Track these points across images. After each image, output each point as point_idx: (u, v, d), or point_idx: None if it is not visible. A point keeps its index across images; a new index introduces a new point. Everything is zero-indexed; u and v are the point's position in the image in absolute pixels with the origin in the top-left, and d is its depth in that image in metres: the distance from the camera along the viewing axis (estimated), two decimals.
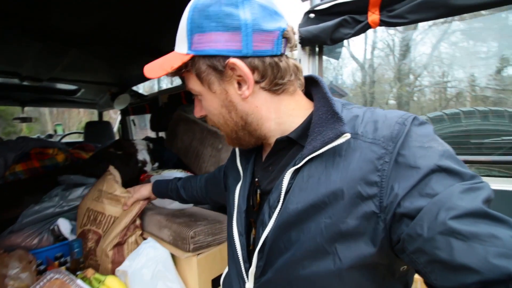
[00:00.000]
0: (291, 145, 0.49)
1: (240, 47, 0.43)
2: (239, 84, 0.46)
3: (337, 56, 1.21)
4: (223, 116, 0.50)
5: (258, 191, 0.53)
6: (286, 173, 0.45)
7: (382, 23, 0.80)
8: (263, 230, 0.46)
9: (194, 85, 0.49)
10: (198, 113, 0.55)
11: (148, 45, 1.58)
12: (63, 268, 1.01)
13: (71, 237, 1.13)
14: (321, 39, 0.84)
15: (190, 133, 1.59)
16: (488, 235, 0.30)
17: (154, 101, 2.31)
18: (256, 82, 0.46)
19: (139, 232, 1.08)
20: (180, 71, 0.48)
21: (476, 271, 0.29)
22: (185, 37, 0.45)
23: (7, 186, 1.22)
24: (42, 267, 0.95)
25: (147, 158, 1.59)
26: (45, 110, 10.65)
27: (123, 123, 2.93)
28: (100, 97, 2.74)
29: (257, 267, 0.48)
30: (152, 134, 2.43)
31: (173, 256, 0.95)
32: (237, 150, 0.63)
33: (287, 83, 0.47)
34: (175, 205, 1.18)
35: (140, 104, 2.48)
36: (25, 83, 2.02)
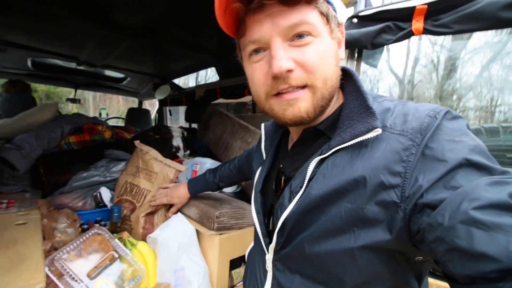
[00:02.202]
0: (318, 135, 0.50)
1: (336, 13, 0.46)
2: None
3: (375, 64, 1.22)
4: (334, 67, 0.44)
5: (283, 177, 0.55)
6: (312, 162, 0.46)
7: (426, 31, 0.81)
8: (281, 213, 0.48)
9: (316, 20, 0.42)
10: (286, 63, 0.41)
11: (190, 41, 1.70)
12: None
13: (109, 205, 1.25)
14: (362, 43, 0.87)
15: (222, 126, 1.68)
16: None
17: (191, 94, 2.45)
18: None
19: (168, 205, 1.18)
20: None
21: (496, 260, 0.29)
22: None
23: (62, 153, 1.38)
24: (85, 226, 1.07)
25: (181, 144, 1.71)
26: (89, 96, 11.57)
27: (160, 112, 3.13)
28: (142, 86, 2.95)
29: (276, 243, 0.51)
30: (185, 125, 2.57)
31: (197, 233, 1.02)
32: (262, 135, 0.66)
33: None
34: None
35: (177, 96, 2.64)
36: (81, 67, 2.26)
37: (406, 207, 0.36)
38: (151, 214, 1.14)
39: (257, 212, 0.56)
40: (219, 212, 0.98)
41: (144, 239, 1.08)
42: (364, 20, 0.91)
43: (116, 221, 1.03)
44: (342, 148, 0.43)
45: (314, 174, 0.45)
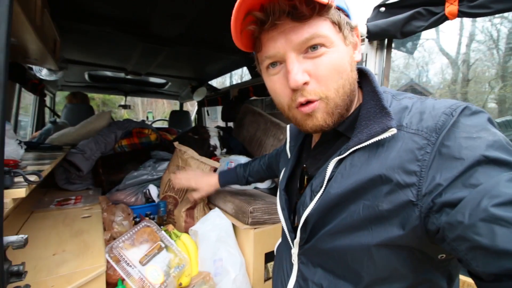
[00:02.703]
0: (338, 136, 0.51)
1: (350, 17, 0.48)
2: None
3: (412, 51, 1.16)
4: (347, 75, 0.45)
5: (306, 177, 0.57)
6: (331, 162, 0.47)
7: (461, 14, 0.75)
8: (303, 210, 0.49)
9: (329, 31, 0.43)
10: (301, 78, 0.43)
11: (221, 44, 1.78)
12: None
13: (157, 200, 1.39)
14: (390, 32, 0.84)
15: (255, 124, 1.73)
16: None
17: (225, 95, 2.55)
18: None
19: (206, 200, 1.28)
20: (313, 10, 0.41)
21: None
22: None
23: (116, 155, 1.57)
24: (137, 219, 1.22)
25: (218, 143, 1.80)
26: (138, 101, 12.62)
27: (199, 113, 3.31)
28: (182, 90, 3.15)
29: (300, 238, 0.53)
30: (222, 124, 2.69)
31: (234, 227, 1.10)
32: (288, 136, 0.68)
33: None
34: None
35: (214, 97, 2.77)
36: (128, 76, 2.50)
37: (422, 205, 0.36)
38: (191, 209, 1.24)
39: (282, 209, 0.59)
40: (253, 208, 1.03)
41: (186, 231, 1.19)
42: (392, 8, 0.87)
43: (162, 215, 1.15)
44: (359, 148, 0.44)
45: (333, 174, 0.46)
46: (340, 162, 0.46)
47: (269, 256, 1.10)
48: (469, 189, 0.33)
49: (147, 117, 3.86)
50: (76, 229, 0.95)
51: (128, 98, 3.45)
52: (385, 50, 0.93)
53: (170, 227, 1.08)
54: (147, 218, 1.26)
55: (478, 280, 0.34)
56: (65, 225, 0.99)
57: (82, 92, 2.56)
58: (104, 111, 1.74)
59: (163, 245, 0.96)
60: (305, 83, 0.43)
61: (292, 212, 0.59)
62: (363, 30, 1.01)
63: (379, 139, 0.41)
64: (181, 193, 1.32)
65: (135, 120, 1.87)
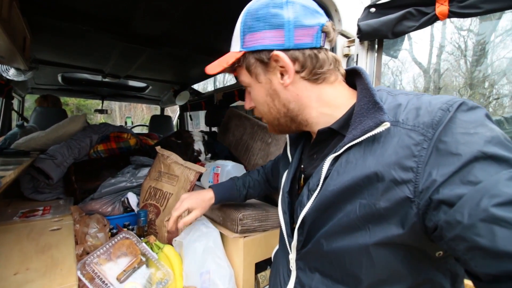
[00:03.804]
0: (334, 135, 0.52)
1: (283, 41, 0.49)
2: (282, 74, 0.52)
3: (395, 55, 1.17)
4: (267, 104, 0.56)
5: (303, 176, 0.58)
6: (327, 160, 0.47)
7: (452, 14, 0.76)
8: (301, 210, 0.50)
9: (245, 77, 0.56)
10: (247, 105, 0.61)
11: (206, 45, 1.73)
12: None
13: (136, 209, 1.29)
14: (382, 32, 0.83)
15: (242, 128, 1.68)
16: None
17: (209, 99, 2.48)
18: (297, 72, 0.51)
19: None
20: (233, 66, 0.56)
21: None
22: (238, 38, 0.53)
23: (91, 162, 1.45)
24: (114, 231, 1.11)
25: (202, 148, 1.73)
26: (115, 107, 12.17)
27: (181, 117, 3.21)
28: (164, 94, 3.05)
29: (298, 241, 0.53)
30: (206, 129, 2.62)
31: (221, 236, 1.02)
32: (288, 140, 0.69)
33: (326, 72, 0.51)
34: None
35: (197, 101, 2.70)
36: (106, 79, 2.37)
37: (419, 202, 0.36)
38: None
39: (284, 212, 0.59)
40: (242, 215, 0.97)
41: (169, 242, 1.10)
42: (383, 9, 0.87)
43: (143, 225, 1.06)
44: (355, 145, 0.44)
45: (330, 172, 0.47)
46: (336, 160, 0.47)
47: (259, 266, 1.04)
48: (467, 186, 0.32)
49: (126, 123, 3.70)
50: (43, 243, 0.84)
51: (105, 103, 3.28)
52: (375, 51, 0.93)
53: (152, 238, 0.99)
54: (126, 229, 1.15)
55: (475, 280, 0.34)
56: (30, 239, 0.87)
57: (54, 95, 2.38)
58: (77, 115, 1.62)
59: (143, 259, 0.87)
60: (251, 107, 0.61)
61: (291, 216, 0.59)
62: (351, 31, 1.00)
63: (373, 133, 0.42)
64: (163, 200, 1.23)
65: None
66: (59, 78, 2.36)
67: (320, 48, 0.51)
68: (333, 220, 0.45)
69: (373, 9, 0.88)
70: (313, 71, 0.51)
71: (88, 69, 2.16)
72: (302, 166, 0.60)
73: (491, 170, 0.32)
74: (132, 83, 2.73)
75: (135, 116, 12.48)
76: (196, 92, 2.63)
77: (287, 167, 0.65)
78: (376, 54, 0.92)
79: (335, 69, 0.53)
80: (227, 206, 1.05)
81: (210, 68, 0.57)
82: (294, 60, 0.50)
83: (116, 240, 0.89)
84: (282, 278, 0.59)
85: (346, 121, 0.49)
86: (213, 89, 2.56)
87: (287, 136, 0.71)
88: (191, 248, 0.95)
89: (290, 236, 0.56)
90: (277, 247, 0.70)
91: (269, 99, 0.55)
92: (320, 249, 0.47)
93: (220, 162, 1.34)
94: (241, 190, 0.95)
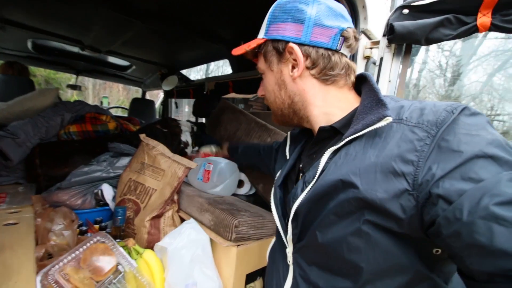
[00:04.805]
0: (334, 134, 0.53)
1: (300, 35, 0.51)
2: (293, 67, 0.54)
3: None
4: (274, 93, 0.59)
5: (301, 175, 0.59)
6: (326, 153, 0.49)
7: (494, 27, 0.70)
8: (293, 202, 0.51)
9: (261, 64, 0.60)
10: (260, 92, 0.65)
11: (204, 29, 1.58)
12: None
13: (111, 204, 1.13)
14: (416, 36, 0.76)
15: (236, 123, 1.56)
16: None
17: (200, 87, 2.32)
18: (307, 68, 0.53)
19: (175, 207, 1.07)
20: (255, 51, 0.60)
21: None
22: (264, 26, 0.57)
23: (61, 144, 1.25)
24: (83, 228, 0.96)
25: (189, 140, 1.59)
26: (89, 84, 11.35)
27: (165, 104, 3.00)
28: (148, 76, 2.82)
29: (293, 234, 0.53)
30: (191, 119, 2.45)
31: (211, 243, 0.91)
32: (288, 139, 0.72)
33: (337, 76, 0.53)
34: (216, 190, 1.15)
35: (185, 88, 2.51)
36: (84, 52, 2.12)
37: (418, 194, 0.36)
38: (157, 217, 1.02)
39: (276, 207, 0.61)
40: (238, 221, 0.86)
41: (149, 246, 0.97)
42: (417, 11, 0.79)
43: (120, 225, 0.91)
44: (355, 140, 0.45)
45: (327, 165, 0.48)
46: (335, 154, 0.48)
47: (249, 277, 0.94)
48: (468, 183, 0.33)
49: (102, 103, 3.39)
50: None
51: (79, 78, 2.98)
52: (401, 56, 0.85)
53: (130, 242, 0.85)
54: (97, 226, 1.00)
55: (469, 280, 0.35)
56: None
57: (21, 63, 2.08)
58: (49, 88, 1.40)
59: (120, 268, 0.74)
60: (263, 96, 0.64)
61: (285, 210, 0.60)
62: (374, 32, 0.92)
63: (375, 127, 0.42)
64: (145, 197, 1.08)
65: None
66: (29, 44, 2.07)
67: (336, 51, 0.52)
68: (326, 209, 0.46)
69: (406, 10, 0.81)
70: (323, 71, 0.52)
71: (65, 38, 1.90)
72: (300, 166, 0.61)
73: (492, 170, 0.33)
74: (113, 60, 2.47)
75: (110, 96, 11.74)
76: (185, 78, 2.45)
77: (282, 164, 0.68)
78: (402, 59, 0.85)
79: (346, 75, 0.54)
80: (220, 210, 0.94)
81: (235, 50, 0.61)
82: (307, 55, 0.52)
83: (88, 244, 0.74)
84: (281, 273, 0.59)
85: (349, 120, 0.50)
86: (204, 77, 2.40)
87: (288, 136, 0.73)
88: (177, 255, 0.83)
89: (285, 230, 0.56)
90: (273, 241, 0.71)
91: (277, 88, 0.58)
92: (316, 241, 0.47)
93: (212, 158, 1.22)
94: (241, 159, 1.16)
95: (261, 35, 0.58)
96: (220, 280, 0.85)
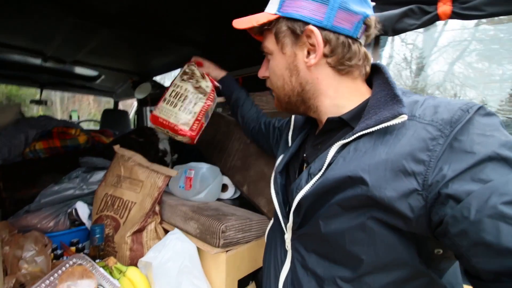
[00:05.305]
0: (342, 126, 0.51)
1: (322, 18, 0.47)
2: (308, 52, 0.50)
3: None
4: (284, 79, 0.54)
5: (305, 165, 0.57)
6: (333, 146, 0.47)
7: (454, 15, 0.73)
8: (297, 192, 0.49)
9: (270, 43, 0.54)
10: (262, 73, 0.60)
11: (176, 33, 1.54)
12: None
13: (88, 223, 1.06)
14: (384, 28, 0.78)
15: (214, 126, 1.52)
16: None
17: None
18: (325, 56, 0.49)
19: (158, 219, 1.03)
20: (261, 28, 0.54)
21: None
22: None
23: (26, 163, 1.16)
24: (58, 252, 0.89)
25: (168, 148, 1.54)
26: (56, 99, 10.75)
27: (139, 113, 2.89)
28: (119, 85, 2.71)
29: (293, 223, 0.52)
30: None
31: (199, 252, 0.88)
32: (292, 124, 0.69)
33: (353, 66, 0.50)
34: (199, 197, 1.12)
35: (159, 95, 2.44)
36: (47, 64, 1.99)
37: (427, 195, 0.36)
38: (138, 232, 0.97)
39: (276, 193, 0.59)
40: (225, 226, 0.84)
41: (132, 263, 0.92)
42: (384, 4, 0.82)
43: (98, 244, 0.85)
44: (365, 135, 0.44)
45: (335, 158, 0.46)
46: (343, 147, 0.46)
47: (242, 283, 0.92)
48: (477, 184, 0.33)
49: (71, 117, 3.20)
50: None
51: (45, 92, 2.79)
52: (371, 48, 0.87)
53: (111, 260, 0.80)
54: (74, 248, 0.93)
55: (475, 280, 0.35)
56: None
57: None
58: (9, 104, 1.29)
59: None
60: (264, 77, 0.60)
61: (286, 198, 0.59)
62: None
63: (388, 125, 0.41)
64: (124, 211, 1.03)
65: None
66: None
67: (356, 39, 0.49)
68: (331, 201, 0.45)
69: (372, 3, 0.83)
70: (341, 60, 0.49)
71: (25, 50, 1.76)
72: (304, 155, 0.59)
73: (503, 171, 0.33)
74: (80, 70, 2.34)
75: (80, 110, 11.18)
76: (158, 85, 2.37)
77: (284, 150, 0.66)
78: (372, 52, 0.87)
79: (362, 66, 0.51)
80: (205, 216, 0.91)
81: (238, 22, 0.55)
82: (326, 41, 0.48)
83: (63, 268, 0.68)
84: (279, 257, 0.58)
85: (358, 113, 0.49)
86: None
87: (292, 121, 0.70)
88: (163, 269, 0.79)
89: (285, 217, 0.55)
90: (269, 225, 0.69)
91: (287, 73, 0.53)
92: (318, 230, 0.47)
93: (193, 164, 1.19)
94: (241, 94, 1.05)
95: (272, 9, 0.51)
96: None
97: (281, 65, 0.53)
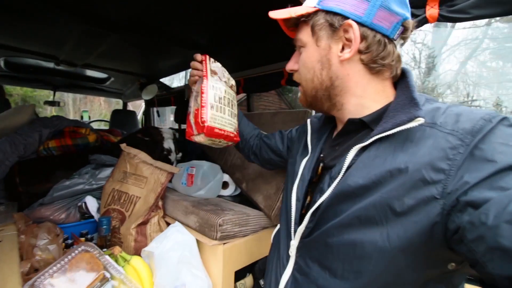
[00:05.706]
0: (361, 128, 0.51)
1: (363, 14, 0.47)
2: (343, 48, 0.50)
3: None
4: (314, 71, 0.54)
5: (321, 165, 0.57)
6: (352, 150, 0.47)
7: (441, 18, 0.76)
8: (320, 196, 0.49)
9: (305, 35, 0.54)
10: (291, 66, 0.59)
11: (181, 37, 1.60)
12: None
13: (96, 215, 1.13)
14: None
15: None
16: None
17: (180, 94, 2.33)
18: (359, 52, 0.49)
19: (161, 213, 1.09)
20: (298, 20, 0.54)
21: None
22: None
23: (40, 160, 1.24)
24: (69, 241, 0.96)
25: (172, 147, 1.60)
26: (69, 100, 11.07)
27: (147, 113, 2.98)
28: (127, 87, 2.80)
29: (306, 227, 0.52)
30: (174, 127, 2.45)
31: (198, 244, 0.93)
32: (309, 128, 0.68)
33: (385, 66, 0.49)
34: (200, 193, 1.17)
35: (166, 96, 2.51)
36: (60, 67, 2.09)
37: (445, 202, 0.36)
38: (142, 224, 1.03)
39: (297, 200, 0.58)
40: (222, 220, 0.89)
41: (136, 253, 0.98)
42: None
43: (105, 235, 0.92)
44: (385, 139, 0.44)
45: (354, 162, 0.46)
46: (362, 151, 0.47)
47: (238, 274, 0.97)
48: (497, 191, 0.32)
49: (82, 117, 3.32)
50: None
51: (57, 94, 2.92)
52: None
53: (116, 249, 0.86)
54: (83, 239, 1.00)
55: (491, 287, 0.34)
56: None
57: None
58: (24, 105, 1.38)
59: (107, 275, 0.75)
60: (293, 70, 0.59)
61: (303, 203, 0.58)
62: None
63: (405, 128, 0.41)
64: (129, 205, 1.09)
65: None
66: (2, 63, 2.02)
67: (392, 40, 0.49)
68: (349, 210, 0.44)
69: None
70: (374, 58, 0.49)
71: (39, 54, 1.86)
72: (322, 155, 0.59)
73: None
74: (90, 73, 2.44)
75: (92, 111, 11.49)
76: (165, 87, 2.45)
77: (304, 155, 0.64)
78: None
79: (394, 67, 0.51)
80: (204, 211, 0.96)
81: (275, 13, 0.55)
82: (363, 37, 0.48)
83: (73, 254, 0.75)
84: (281, 262, 0.58)
85: (380, 116, 0.49)
86: (178, 85, 2.41)
87: (308, 124, 0.70)
88: (164, 258, 0.85)
89: (297, 223, 0.55)
90: (276, 228, 0.70)
91: (319, 66, 0.53)
92: (327, 239, 0.47)
93: (195, 162, 1.24)
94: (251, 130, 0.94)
95: (312, 2, 0.51)
96: (209, 279, 0.87)
97: (313, 57, 0.53)
